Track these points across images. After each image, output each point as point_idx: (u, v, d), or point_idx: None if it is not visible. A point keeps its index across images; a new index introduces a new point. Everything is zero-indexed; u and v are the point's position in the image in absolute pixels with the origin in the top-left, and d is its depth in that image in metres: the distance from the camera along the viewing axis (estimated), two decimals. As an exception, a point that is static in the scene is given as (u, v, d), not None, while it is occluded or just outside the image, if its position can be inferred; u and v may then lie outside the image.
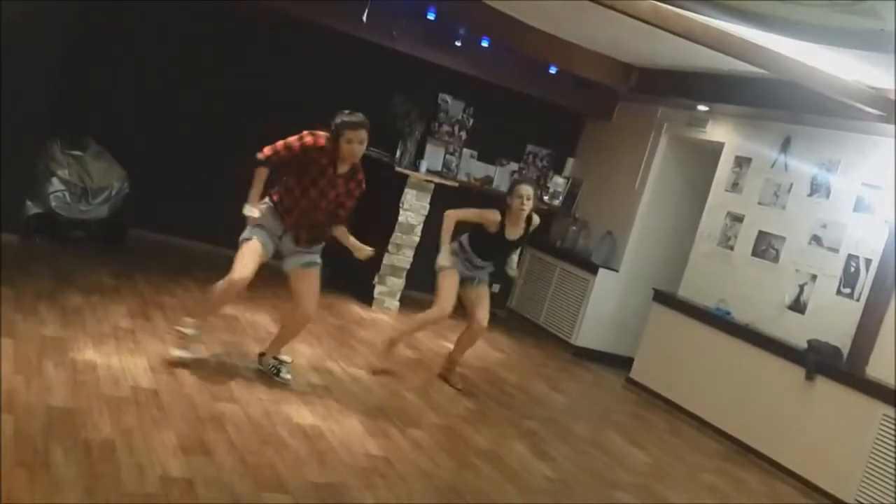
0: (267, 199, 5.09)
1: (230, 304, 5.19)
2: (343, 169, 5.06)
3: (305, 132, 5.00)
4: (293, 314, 5.28)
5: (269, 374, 5.26)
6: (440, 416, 5.47)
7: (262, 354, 5.38)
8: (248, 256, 4.91)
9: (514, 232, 6.01)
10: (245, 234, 5.01)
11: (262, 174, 4.99)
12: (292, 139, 4.98)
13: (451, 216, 5.97)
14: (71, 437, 3.69)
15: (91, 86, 7.38)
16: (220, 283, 4.93)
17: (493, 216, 5.94)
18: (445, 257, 5.95)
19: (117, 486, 3.38)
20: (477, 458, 4.88)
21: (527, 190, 5.90)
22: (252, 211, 4.95)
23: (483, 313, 6.11)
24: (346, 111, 5.01)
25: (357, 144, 4.95)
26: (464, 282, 6.11)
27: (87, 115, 7.37)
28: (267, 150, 4.98)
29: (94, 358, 4.70)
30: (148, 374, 4.71)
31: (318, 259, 5.21)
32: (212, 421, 4.31)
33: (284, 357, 5.33)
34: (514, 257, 6.26)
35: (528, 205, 5.89)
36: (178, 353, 5.01)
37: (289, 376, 5.26)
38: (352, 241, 5.20)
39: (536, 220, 6.14)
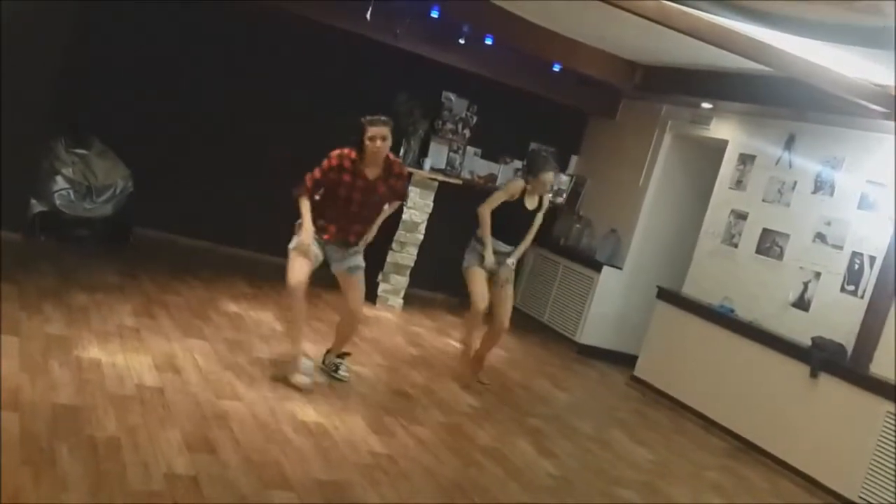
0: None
1: (303, 311, 5.34)
2: (374, 172, 5.19)
3: (333, 153, 5.16)
4: (343, 315, 5.55)
5: (329, 371, 5.54)
6: (444, 413, 5.48)
7: (327, 351, 5.65)
8: (298, 262, 5.08)
9: (531, 201, 6.19)
10: (292, 244, 5.16)
11: (305, 205, 5.14)
12: (324, 164, 5.14)
13: (486, 211, 6.12)
14: (76, 435, 3.70)
15: (95, 84, 7.39)
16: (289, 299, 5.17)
17: (516, 186, 6.16)
18: (488, 254, 6.10)
19: (123, 484, 3.39)
20: (481, 456, 4.89)
21: (553, 178, 6.22)
22: (302, 238, 5.09)
23: (504, 315, 6.23)
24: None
25: (380, 141, 5.07)
26: (490, 278, 6.18)
27: (91, 113, 7.38)
28: (307, 181, 5.15)
29: (98, 356, 4.71)
30: (153, 372, 4.72)
31: (361, 262, 5.39)
32: (216, 419, 4.32)
33: (344, 353, 5.60)
34: (518, 252, 6.27)
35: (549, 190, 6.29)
36: (300, 379, 5.15)
37: (346, 374, 5.53)
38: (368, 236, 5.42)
39: (547, 205, 6.35)
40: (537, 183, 6.13)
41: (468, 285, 6.18)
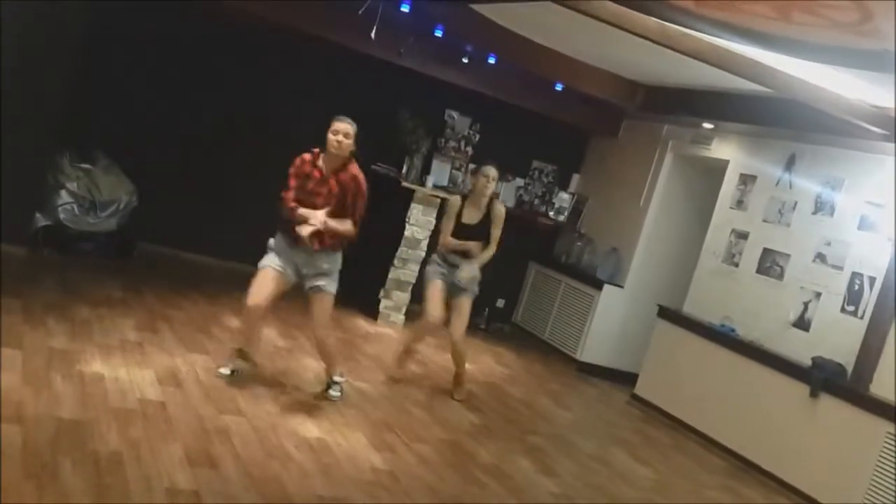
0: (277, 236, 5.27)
1: (255, 329, 5.36)
2: (329, 167, 5.10)
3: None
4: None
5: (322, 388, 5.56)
6: (445, 430, 5.48)
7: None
8: (261, 282, 5.13)
9: (471, 215, 6.11)
10: (261, 262, 5.20)
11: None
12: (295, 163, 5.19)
13: (445, 241, 6.12)
14: (79, 449, 3.72)
15: (100, 99, 7.44)
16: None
17: (453, 203, 6.15)
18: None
19: (125, 498, 3.41)
20: (482, 474, 4.90)
21: (492, 171, 6.08)
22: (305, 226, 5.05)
23: (455, 324, 6.16)
24: None
25: (342, 136, 5.02)
26: (449, 289, 6.18)
27: (97, 128, 7.43)
28: (287, 194, 5.14)
29: (101, 370, 4.73)
30: (155, 386, 4.74)
31: (327, 286, 5.20)
32: (218, 434, 4.34)
33: (338, 378, 5.53)
34: (473, 265, 6.10)
35: (492, 185, 6.08)
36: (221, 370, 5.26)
37: (337, 394, 5.49)
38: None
39: (500, 208, 6.19)
40: (476, 183, 6.08)
41: (425, 296, 6.18)
